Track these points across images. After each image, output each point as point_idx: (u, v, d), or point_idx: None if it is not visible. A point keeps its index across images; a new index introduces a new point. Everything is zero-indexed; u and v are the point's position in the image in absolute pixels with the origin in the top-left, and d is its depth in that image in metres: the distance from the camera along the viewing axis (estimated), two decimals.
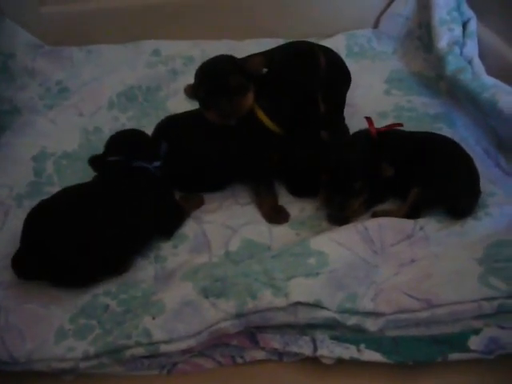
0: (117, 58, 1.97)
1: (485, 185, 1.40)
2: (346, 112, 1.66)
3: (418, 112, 1.77)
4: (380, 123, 1.48)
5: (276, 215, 1.43)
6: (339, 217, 1.40)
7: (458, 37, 1.82)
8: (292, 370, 1.17)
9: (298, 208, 1.47)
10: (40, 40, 1.96)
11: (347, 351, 1.14)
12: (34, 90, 1.85)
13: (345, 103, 1.66)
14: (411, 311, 1.15)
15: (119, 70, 1.92)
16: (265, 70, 1.47)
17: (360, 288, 1.18)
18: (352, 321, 1.14)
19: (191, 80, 1.48)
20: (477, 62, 1.76)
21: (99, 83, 1.88)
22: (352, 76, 1.69)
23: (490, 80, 1.62)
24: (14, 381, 1.14)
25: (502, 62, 1.72)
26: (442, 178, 1.37)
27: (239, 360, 1.17)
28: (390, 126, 1.46)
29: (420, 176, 1.37)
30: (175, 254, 1.35)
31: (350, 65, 1.73)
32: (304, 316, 1.14)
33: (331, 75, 1.52)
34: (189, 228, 1.41)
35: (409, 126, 1.50)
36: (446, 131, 1.61)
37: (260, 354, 1.17)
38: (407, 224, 1.32)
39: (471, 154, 1.42)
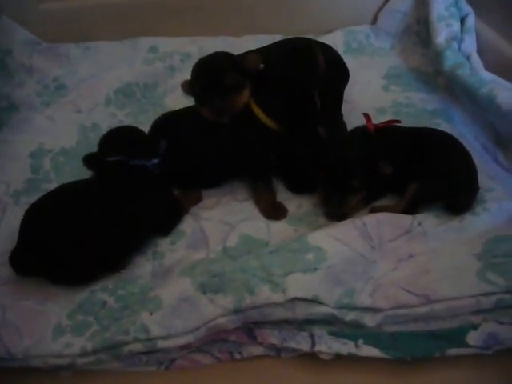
0: (114, 55, 1.97)
1: (483, 180, 1.40)
2: (344, 108, 1.66)
3: (416, 108, 1.77)
4: (378, 119, 1.48)
5: (274, 211, 1.43)
6: (337, 214, 1.40)
7: (456, 32, 1.82)
8: (290, 365, 1.17)
9: (295, 204, 1.46)
10: (37, 37, 1.96)
11: (345, 347, 1.14)
12: (31, 87, 1.85)
13: (342, 99, 1.66)
14: (409, 307, 1.15)
15: (117, 67, 1.92)
16: (262, 66, 1.47)
17: (358, 283, 1.18)
18: (350, 316, 1.14)
19: (189, 76, 1.48)
20: (475, 57, 1.76)
21: (97, 80, 1.88)
22: (350, 72, 1.69)
23: (488, 75, 1.62)
24: (11, 377, 1.14)
25: (500, 57, 1.72)
26: (440, 173, 1.36)
27: (237, 356, 1.17)
28: (387, 122, 1.46)
29: (418, 172, 1.37)
30: (173, 250, 1.34)
31: (348, 61, 1.72)
32: (302, 312, 1.13)
33: (330, 73, 1.51)
34: (186, 224, 1.41)
35: (407, 122, 1.50)
36: (444, 127, 1.61)
37: (258, 350, 1.17)
38: (405, 219, 1.32)
39: (469, 150, 1.42)
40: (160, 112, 1.58)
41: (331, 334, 1.15)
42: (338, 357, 1.14)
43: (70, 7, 1.97)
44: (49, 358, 1.10)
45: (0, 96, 1.77)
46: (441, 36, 1.81)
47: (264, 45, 1.68)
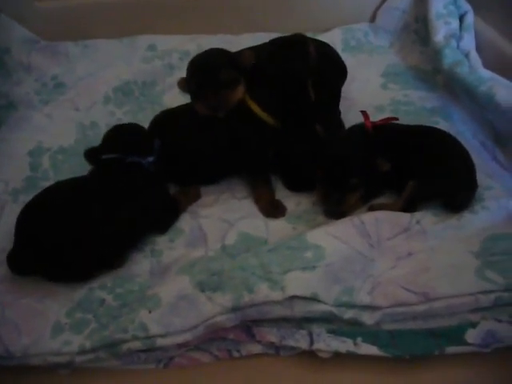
0: (113, 53, 1.97)
1: (482, 178, 1.40)
2: (343, 106, 1.65)
3: (414, 106, 1.77)
4: (377, 117, 1.48)
5: (273, 209, 1.43)
6: (336, 212, 1.40)
7: (455, 30, 1.82)
8: (289, 363, 1.17)
9: (294, 202, 1.46)
10: (36, 35, 1.96)
11: (344, 345, 1.14)
12: (29, 85, 1.85)
13: (340, 97, 1.66)
14: (408, 305, 1.15)
15: (115, 65, 1.92)
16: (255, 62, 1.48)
17: (357, 281, 1.18)
18: (349, 314, 1.14)
19: None
20: (474, 55, 1.76)
21: (95, 78, 1.88)
22: (349, 70, 1.69)
23: (486, 73, 1.62)
24: (10, 375, 1.14)
25: (498, 55, 1.72)
26: (438, 171, 1.36)
27: (236, 354, 1.17)
28: (385, 119, 1.46)
29: (416, 170, 1.37)
30: (171, 248, 1.34)
31: (347, 59, 1.73)
32: (300, 309, 1.13)
33: (323, 65, 1.52)
34: (185, 222, 1.41)
35: (406, 120, 1.50)
36: (442, 125, 1.61)
37: (256, 348, 1.17)
38: (404, 218, 1.32)
39: (468, 148, 1.42)
40: (158, 110, 1.58)
41: (330, 332, 1.15)
42: (337, 355, 1.14)
43: (69, 5, 1.96)
44: (48, 356, 1.10)
45: None
46: (439, 34, 1.81)
47: (260, 44, 1.68)
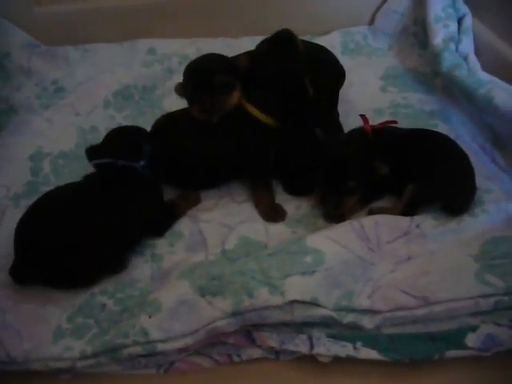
0: (112, 57, 1.97)
1: (481, 181, 1.40)
2: (342, 109, 1.65)
3: (413, 109, 1.77)
4: (376, 120, 1.49)
5: (273, 213, 1.43)
6: (334, 215, 1.40)
7: (454, 33, 1.82)
8: (289, 368, 1.17)
9: (293, 206, 1.46)
10: (36, 39, 1.96)
11: (344, 349, 1.14)
12: (29, 90, 1.85)
13: (338, 100, 1.66)
14: (408, 308, 1.15)
15: (115, 69, 1.92)
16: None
17: (356, 286, 1.18)
18: (348, 318, 1.14)
19: None
20: (472, 58, 1.76)
21: (95, 82, 1.88)
22: (348, 73, 1.69)
23: (485, 76, 1.62)
24: (11, 380, 1.14)
25: (497, 58, 1.72)
26: (437, 175, 1.36)
27: (236, 358, 1.17)
28: (384, 123, 1.46)
29: (415, 173, 1.37)
30: (172, 252, 1.35)
31: (346, 62, 1.73)
32: (300, 314, 1.14)
33: (321, 68, 1.53)
34: (185, 226, 1.41)
35: (405, 123, 1.51)
36: (441, 128, 1.61)
37: (257, 353, 1.17)
38: (403, 221, 1.32)
39: (467, 151, 1.42)
40: (159, 114, 1.58)
41: (330, 336, 1.15)
42: (337, 359, 1.14)
43: (69, 9, 1.96)
44: (49, 361, 1.11)
45: None
46: (438, 37, 1.81)
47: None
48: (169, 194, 1.47)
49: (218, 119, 1.42)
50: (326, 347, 1.14)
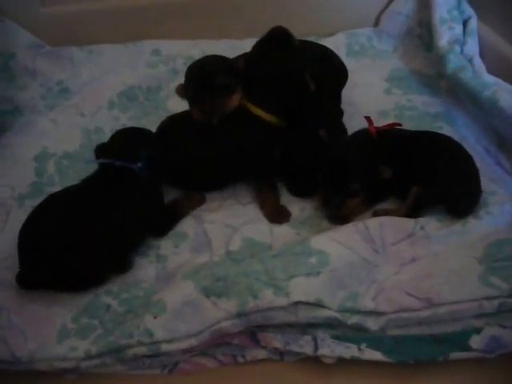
0: (117, 58, 1.97)
1: (486, 184, 1.40)
2: (347, 111, 1.66)
3: (418, 111, 1.77)
4: (381, 122, 1.49)
5: (277, 215, 1.43)
6: (336, 216, 1.40)
7: (459, 35, 1.82)
8: (293, 369, 1.17)
9: (298, 207, 1.47)
10: (41, 40, 1.96)
11: (348, 350, 1.14)
12: (34, 90, 1.86)
13: (340, 100, 1.66)
14: (412, 310, 1.15)
15: (120, 70, 1.93)
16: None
17: (361, 287, 1.18)
18: (353, 320, 1.14)
19: None
20: (477, 60, 1.76)
21: (100, 83, 1.89)
22: (352, 75, 1.69)
23: (490, 78, 1.62)
24: (17, 380, 1.15)
25: (502, 60, 1.72)
26: (442, 177, 1.36)
27: (240, 359, 1.17)
28: (388, 125, 1.46)
29: (420, 175, 1.37)
30: (176, 253, 1.35)
31: (350, 63, 1.73)
32: (305, 315, 1.14)
33: (323, 68, 1.53)
34: (189, 227, 1.42)
35: (409, 125, 1.51)
36: (446, 130, 1.61)
37: (261, 354, 1.17)
38: (408, 223, 1.32)
39: (472, 153, 1.42)
40: (163, 115, 1.58)
41: (334, 337, 1.15)
42: (341, 360, 1.14)
43: (74, 10, 1.97)
44: (54, 361, 1.11)
45: (4, 99, 1.78)
46: (443, 39, 1.81)
47: None
48: (174, 194, 1.48)
49: (218, 121, 1.42)
50: (331, 348, 1.14)
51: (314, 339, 1.15)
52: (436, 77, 1.87)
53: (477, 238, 1.29)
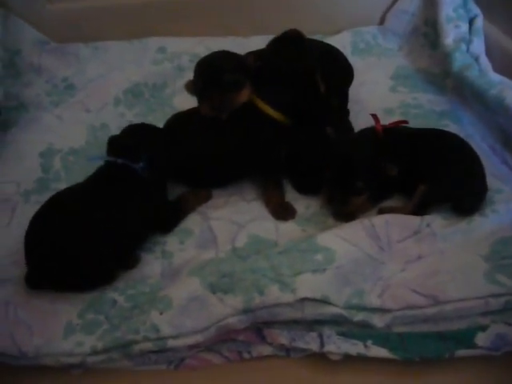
0: (123, 55, 1.97)
1: (491, 182, 1.40)
2: (352, 109, 1.67)
3: (424, 109, 1.77)
4: (386, 120, 1.49)
5: (283, 212, 1.43)
6: (340, 213, 1.41)
7: (465, 33, 1.82)
8: (299, 365, 1.18)
9: (303, 205, 1.47)
10: (46, 36, 1.96)
11: (354, 347, 1.14)
12: (40, 87, 1.85)
13: (348, 99, 1.66)
14: (418, 307, 1.15)
15: (125, 67, 1.93)
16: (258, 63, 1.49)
17: (367, 284, 1.19)
18: (359, 317, 1.14)
19: None
20: (483, 59, 1.76)
21: (105, 80, 1.89)
22: (358, 73, 1.69)
23: (496, 77, 1.62)
24: (24, 374, 1.15)
25: (508, 58, 1.72)
26: (448, 175, 1.36)
27: (246, 355, 1.18)
28: (395, 122, 1.46)
29: (426, 173, 1.37)
30: (182, 249, 1.35)
31: (356, 62, 1.73)
32: (311, 312, 1.14)
33: (330, 67, 1.53)
34: (195, 224, 1.42)
35: (415, 123, 1.50)
36: (452, 128, 1.61)
37: (267, 350, 1.18)
38: (414, 221, 1.32)
39: (477, 151, 1.42)
40: (169, 112, 1.59)
41: (340, 334, 1.16)
42: (347, 357, 1.14)
43: (79, 7, 1.97)
44: (60, 356, 1.11)
45: (9, 96, 1.78)
46: (449, 37, 1.81)
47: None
48: (180, 190, 1.48)
49: (226, 116, 1.42)
50: (337, 345, 1.14)
51: (320, 336, 1.16)
52: (441, 75, 1.87)
53: (482, 235, 1.29)
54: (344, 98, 1.67)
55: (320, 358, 1.16)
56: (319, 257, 1.21)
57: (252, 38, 2.03)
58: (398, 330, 1.17)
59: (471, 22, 1.86)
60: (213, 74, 1.42)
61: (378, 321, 1.15)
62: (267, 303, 1.12)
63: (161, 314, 1.13)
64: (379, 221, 1.31)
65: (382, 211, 1.41)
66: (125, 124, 1.47)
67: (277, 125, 1.43)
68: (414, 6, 2.02)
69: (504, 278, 1.18)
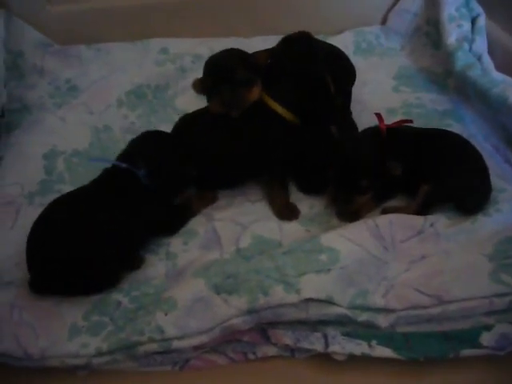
0: (125, 56, 1.97)
1: (495, 181, 1.40)
2: (355, 109, 1.66)
3: (426, 108, 1.77)
4: (389, 120, 1.48)
5: (287, 212, 1.43)
6: (345, 212, 1.41)
7: (467, 33, 1.83)
8: (304, 366, 1.18)
9: (307, 205, 1.47)
10: (49, 38, 1.96)
11: (359, 347, 1.14)
12: (43, 89, 1.85)
13: (351, 98, 1.66)
14: (422, 307, 1.15)
15: (128, 69, 1.93)
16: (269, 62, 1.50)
17: (371, 284, 1.19)
18: (363, 317, 1.15)
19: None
20: (486, 58, 1.77)
21: (108, 81, 1.89)
22: (360, 73, 1.69)
23: (499, 76, 1.62)
24: (30, 376, 1.16)
25: (510, 57, 1.72)
26: (451, 175, 1.36)
27: (251, 356, 1.18)
28: (399, 122, 1.46)
29: (430, 173, 1.37)
30: (186, 250, 1.35)
31: (358, 61, 1.73)
32: (315, 312, 1.14)
33: (333, 67, 1.53)
34: (199, 225, 1.42)
35: (418, 123, 1.50)
36: (454, 128, 1.61)
37: (272, 350, 1.18)
38: (417, 220, 1.32)
39: (480, 151, 1.42)
40: (171, 113, 1.60)
41: (344, 334, 1.16)
42: (352, 357, 1.15)
43: (82, 9, 1.97)
44: (65, 358, 1.12)
45: (12, 98, 1.78)
46: (452, 36, 1.82)
47: (273, 46, 1.68)
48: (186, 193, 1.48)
49: (238, 114, 1.41)
50: (341, 345, 1.14)
51: (325, 336, 1.16)
52: (444, 75, 1.87)
53: (486, 235, 1.29)
54: (347, 97, 1.67)
55: (325, 359, 1.16)
56: (323, 257, 1.21)
57: (254, 38, 2.03)
58: (403, 329, 1.17)
59: (473, 21, 1.86)
60: (223, 70, 1.42)
61: (383, 321, 1.15)
62: (272, 304, 1.12)
63: (165, 314, 1.13)
64: (383, 221, 1.31)
65: (385, 211, 1.41)
66: (128, 125, 1.47)
67: (286, 124, 1.43)
68: (416, 6, 2.02)
69: (508, 277, 1.17)
